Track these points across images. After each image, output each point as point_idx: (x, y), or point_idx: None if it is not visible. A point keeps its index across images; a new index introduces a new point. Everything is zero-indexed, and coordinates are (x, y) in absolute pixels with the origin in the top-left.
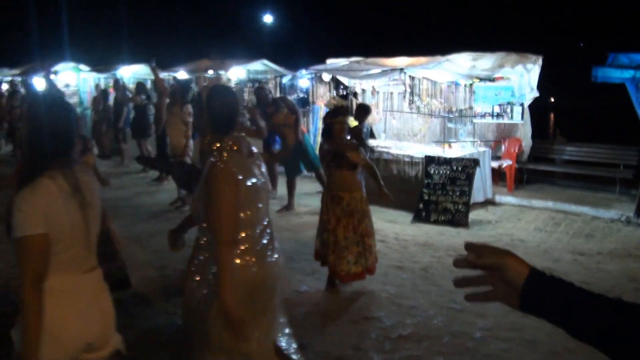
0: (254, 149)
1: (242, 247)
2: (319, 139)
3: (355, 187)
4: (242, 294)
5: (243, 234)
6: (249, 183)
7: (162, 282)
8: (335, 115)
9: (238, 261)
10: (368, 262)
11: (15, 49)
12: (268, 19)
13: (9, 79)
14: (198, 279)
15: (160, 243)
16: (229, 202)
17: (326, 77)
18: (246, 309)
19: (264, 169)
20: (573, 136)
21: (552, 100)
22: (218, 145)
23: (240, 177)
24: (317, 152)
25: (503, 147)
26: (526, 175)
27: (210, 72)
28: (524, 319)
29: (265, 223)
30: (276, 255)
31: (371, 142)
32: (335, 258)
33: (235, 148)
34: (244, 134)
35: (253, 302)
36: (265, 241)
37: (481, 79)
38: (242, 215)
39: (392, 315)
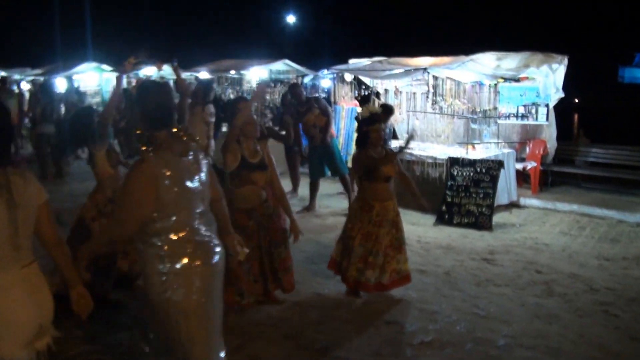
0: (199, 153)
1: (189, 245)
2: (341, 139)
3: (387, 197)
4: (200, 289)
5: (174, 237)
6: (178, 185)
7: None
8: (372, 122)
9: (185, 261)
10: (384, 277)
11: (37, 49)
12: (291, 19)
13: (31, 78)
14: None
15: None
16: (134, 202)
17: (348, 77)
18: (204, 305)
19: (204, 173)
20: (598, 138)
21: (577, 101)
22: (145, 142)
23: (167, 177)
24: (342, 156)
25: (527, 149)
26: (551, 178)
27: (232, 72)
28: (549, 326)
29: (206, 223)
30: (219, 250)
31: (393, 143)
32: (348, 264)
33: (165, 146)
34: (184, 134)
35: (207, 297)
36: (207, 239)
37: (506, 79)
38: (173, 217)
39: (413, 321)
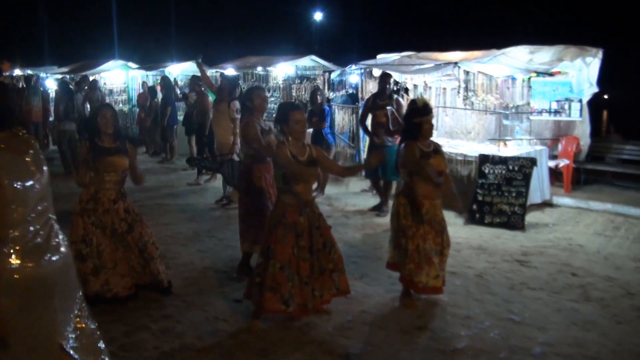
0: (39, 153)
1: (13, 247)
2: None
3: (436, 195)
4: (16, 293)
5: (15, 233)
6: (17, 183)
7: (205, 284)
8: (425, 113)
9: (11, 260)
10: (438, 280)
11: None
12: (318, 16)
13: (59, 77)
14: None
15: (205, 243)
16: None
17: (376, 72)
18: (19, 309)
19: (42, 173)
20: (630, 134)
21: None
22: None
23: (5, 177)
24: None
25: (560, 146)
26: (583, 176)
27: (259, 68)
28: (587, 333)
29: (40, 225)
30: (55, 257)
31: None
32: (415, 267)
33: (2, 146)
34: (23, 133)
35: (28, 301)
36: (40, 240)
37: (539, 74)
38: (8, 216)
39: (445, 326)
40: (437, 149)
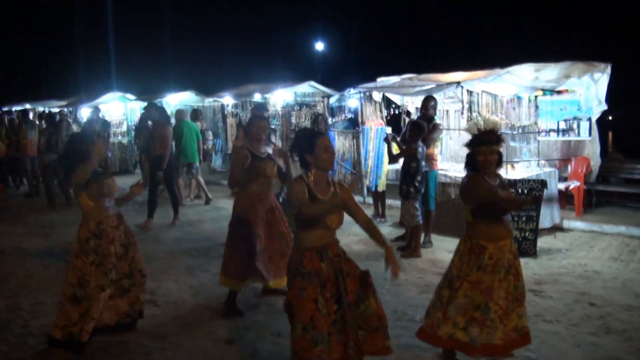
0: None
1: None
2: (370, 162)
3: (504, 234)
4: None
5: None
6: None
7: (195, 324)
8: (479, 143)
9: None
10: (495, 337)
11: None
12: (319, 46)
13: (57, 110)
14: None
15: (198, 278)
16: None
17: (377, 96)
18: None
19: None
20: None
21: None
22: None
23: None
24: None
25: (570, 167)
26: (595, 198)
27: (257, 95)
28: None
29: None
30: None
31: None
32: (441, 317)
33: None
34: None
35: None
36: None
37: (545, 92)
38: None
39: None
40: (503, 183)
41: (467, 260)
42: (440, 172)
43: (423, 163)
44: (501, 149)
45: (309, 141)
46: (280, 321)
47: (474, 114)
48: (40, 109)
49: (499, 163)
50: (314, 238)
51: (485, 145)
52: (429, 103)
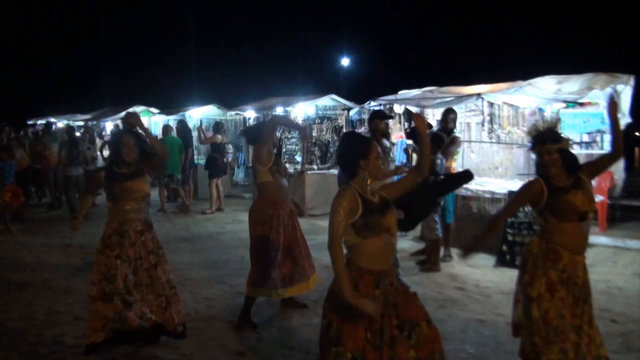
0: None
1: None
2: None
3: (581, 247)
4: None
5: None
6: None
7: (208, 335)
8: (534, 143)
9: None
10: None
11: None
12: (345, 62)
13: (82, 123)
14: None
15: (214, 290)
16: None
17: (398, 108)
18: None
19: None
20: None
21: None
22: None
23: None
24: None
25: (594, 182)
26: (619, 212)
27: (279, 108)
28: None
29: None
30: None
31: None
32: (543, 343)
33: None
34: None
35: None
36: None
37: (568, 104)
38: None
39: None
40: (578, 182)
41: (542, 264)
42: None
43: (442, 176)
44: (566, 148)
45: (366, 146)
46: (294, 335)
47: (495, 126)
48: (65, 122)
49: (569, 163)
50: (375, 253)
51: (539, 144)
52: (448, 116)
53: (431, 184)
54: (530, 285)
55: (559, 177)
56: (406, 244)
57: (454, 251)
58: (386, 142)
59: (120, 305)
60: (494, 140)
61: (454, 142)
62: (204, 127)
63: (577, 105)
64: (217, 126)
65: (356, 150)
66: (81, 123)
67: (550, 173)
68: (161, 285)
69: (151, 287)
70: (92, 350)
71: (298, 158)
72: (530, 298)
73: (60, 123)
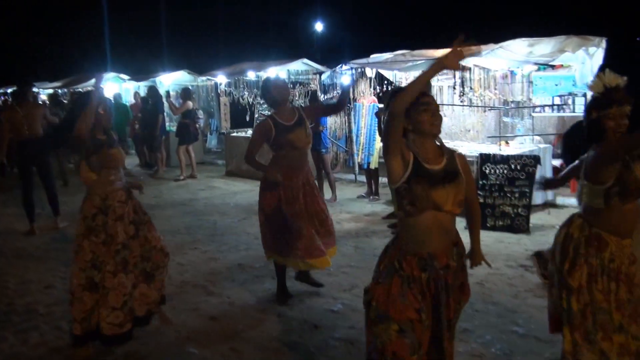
0: None
1: None
2: (362, 139)
3: (631, 229)
4: None
5: None
6: None
7: (180, 301)
8: (608, 103)
9: None
10: None
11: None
12: (319, 26)
13: (51, 91)
14: None
15: (187, 256)
16: None
17: (369, 72)
18: None
19: None
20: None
21: None
22: None
23: None
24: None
25: None
26: None
27: (250, 73)
28: None
29: None
30: None
31: None
32: (582, 340)
33: None
34: None
35: None
36: None
37: (539, 67)
38: None
39: None
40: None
41: (585, 254)
42: None
43: None
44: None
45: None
46: (265, 298)
47: (467, 89)
48: (35, 90)
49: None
50: (420, 232)
51: (616, 106)
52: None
53: None
54: (570, 274)
55: (620, 146)
56: (378, 207)
57: None
58: None
59: (103, 293)
60: (465, 103)
61: None
62: (172, 95)
63: (548, 67)
64: (186, 93)
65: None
66: (51, 91)
67: (615, 140)
68: (134, 259)
69: (146, 260)
70: (77, 342)
71: None
72: (570, 289)
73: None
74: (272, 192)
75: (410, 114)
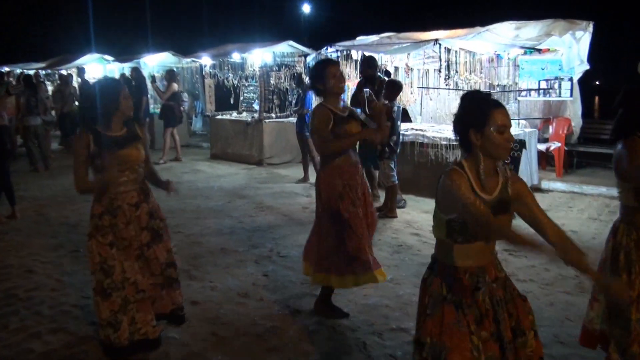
0: None
1: None
2: None
3: None
4: None
5: None
6: None
7: None
8: None
9: None
10: None
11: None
12: (306, 8)
13: (33, 71)
14: None
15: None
16: None
17: (355, 54)
18: None
19: None
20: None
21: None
22: None
23: None
24: None
25: (551, 128)
26: (576, 159)
27: (235, 54)
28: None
29: None
30: None
31: (404, 126)
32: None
33: None
34: None
35: None
36: None
37: (526, 51)
38: None
39: None
40: None
41: (636, 256)
42: (419, 132)
43: (399, 122)
44: None
45: (482, 112)
46: (247, 284)
47: (452, 72)
48: (18, 71)
49: None
50: (470, 254)
51: None
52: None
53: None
54: (630, 285)
55: None
56: None
57: (412, 198)
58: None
59: (118, 303)
60: (451, 87)
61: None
62: (157, 77)
63: (535, 51)
64: (170, 75)
65: (470, 118)
66: (32, 71)
67: None
68: (158, 265)
69: (146, 267)
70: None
71: (256, 106)
72: (629, 299)
73: (16, 71)
74: (346, 190)
75: (484, 132)
